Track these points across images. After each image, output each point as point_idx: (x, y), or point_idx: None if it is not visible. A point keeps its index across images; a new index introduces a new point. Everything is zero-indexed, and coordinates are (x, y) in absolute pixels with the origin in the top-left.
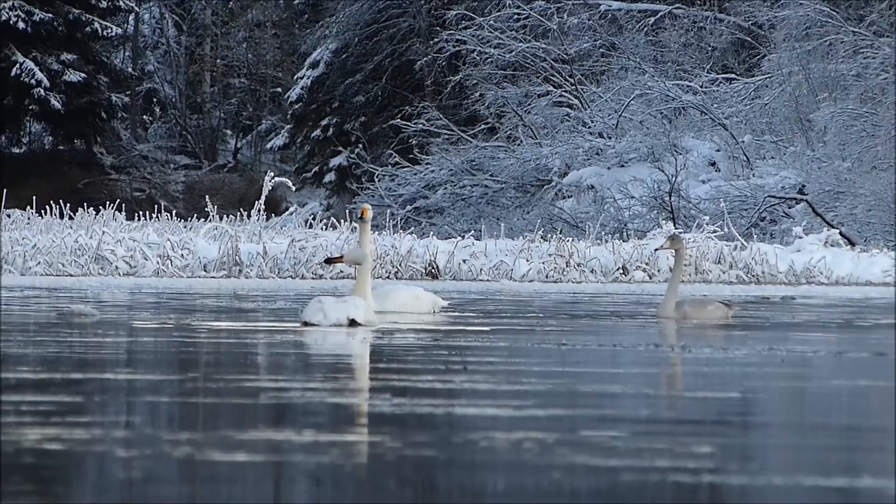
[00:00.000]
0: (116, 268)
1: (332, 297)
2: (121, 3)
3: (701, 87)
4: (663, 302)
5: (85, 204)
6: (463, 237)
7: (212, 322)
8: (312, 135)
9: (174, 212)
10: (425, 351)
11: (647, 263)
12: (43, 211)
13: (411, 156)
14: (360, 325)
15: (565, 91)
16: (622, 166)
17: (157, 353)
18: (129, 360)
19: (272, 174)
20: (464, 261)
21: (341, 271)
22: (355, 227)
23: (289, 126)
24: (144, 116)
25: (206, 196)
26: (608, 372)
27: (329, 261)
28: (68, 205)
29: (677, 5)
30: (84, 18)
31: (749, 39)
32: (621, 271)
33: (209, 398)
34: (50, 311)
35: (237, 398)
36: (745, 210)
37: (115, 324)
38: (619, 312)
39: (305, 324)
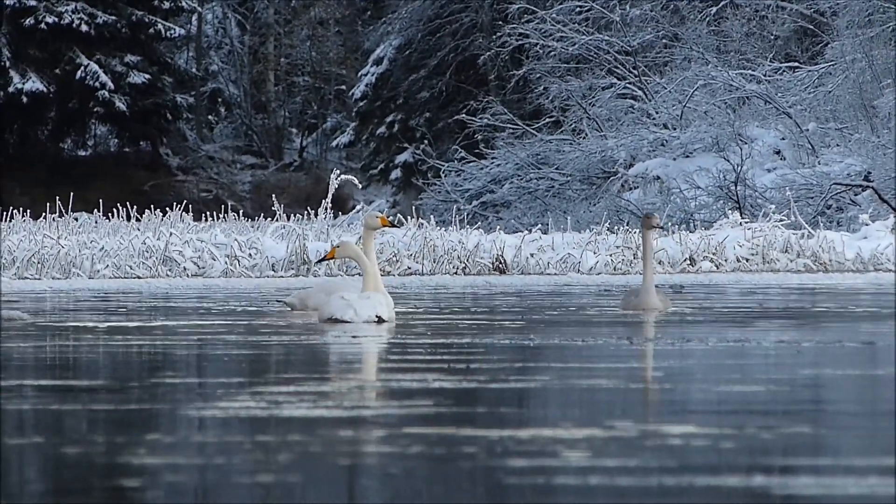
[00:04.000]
0: (184, 269)
1: (353, 293)
2: (183, 3)
3: (764, 75)
4: (644, 292)
5: (152, 205)
6: (530, 231)
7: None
8: (378, 132)
9: (241, 212)
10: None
11: (713, 253)
12: (110, 213)
13: (477, 150)
14: (384, 321)
15: (629, 83)
16: (687, 157)
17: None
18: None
19: (338, 172)
20: (531, 255)
21: (408, 268)
22: (422, 224)
23: (354, 123)
24: (210, 117)
25: (273, 195)
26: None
27: (320, 260)
28: (135, 207)
29: None
30: (147, 20)
31: (811, 27)
32: (689, 262)
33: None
34: None
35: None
36: (811, 198)
37: (46, 328)
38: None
39: (333, 321)
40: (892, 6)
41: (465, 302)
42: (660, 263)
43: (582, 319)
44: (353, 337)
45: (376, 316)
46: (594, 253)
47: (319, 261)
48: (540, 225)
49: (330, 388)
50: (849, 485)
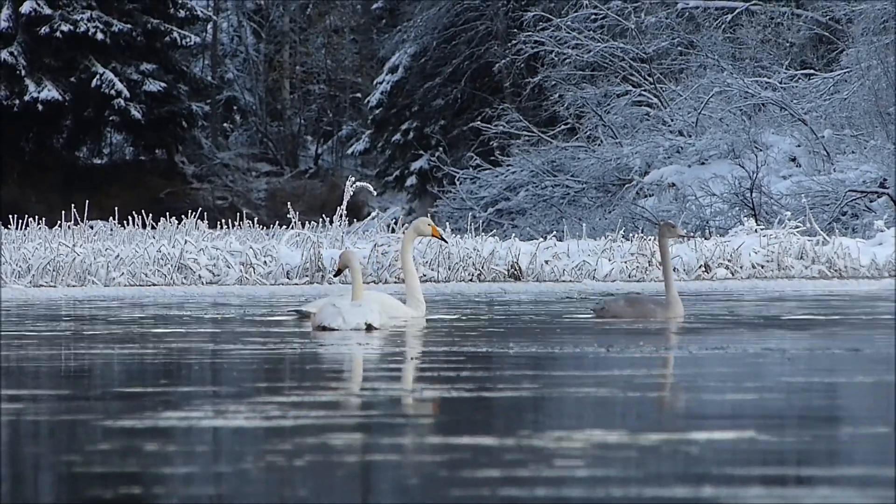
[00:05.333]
0: (199, 277)
1: (346, 301)
2: (199, 12)
3: (780, 83)
4: (673, 301)
5: (167, 213)
6: (545, 238)
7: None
8: (393, 139)
9: (256, 219)
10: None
11: (729, 260)
12: (125, 221)
13: (492, 158)
14: (375, 329)
15: (644, 90)
16: (703, 164)
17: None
18: None
19: (353, 179)
20: (546, 262)
21: (424, 275)
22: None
23: (369, 131)
24: (225, 124)
25: (288, 203)
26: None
27: (336, 274)
28: (150, 214)
29: (754, 2)
30: (162, 28)
31: (827, 34)
32: (704, 269)
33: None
34: None
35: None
36: (827, 205)
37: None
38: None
39: (322, 328)
40: None
41: (457, 309)
42: (675, 270)
43: (560, 327)
44: (321, 345)
45: (366, 323)
46: (609, 260)
47: (335, 274)
48: (555, 232)
49: (295, 398)
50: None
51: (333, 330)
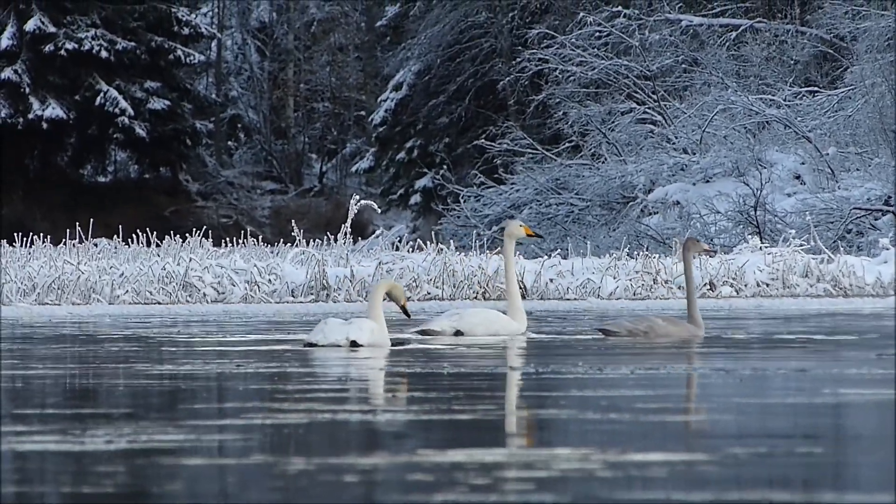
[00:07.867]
0: (204, 295)
1: (339, 319)
2: (203, 30)
3: (784, 100)
4: (697, 321)
5: (172, 231)
6: (549, 256)
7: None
8: (397, 157)
9: (261, 237)
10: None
11: (733, 278)
12: (130, 239)
13: (496, 176)
14: (361, 346)
15: (648, 108)
16: (707, 181)
17: None
18: None
19: (358, 197)
20: (550, 280)
21: (428, 293)
22: (441, 249)
23: (373, 149)
24: (229, 142)
25: (293, 221)
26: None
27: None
28: (155, 232)
29: (759, 19)
30: (167, 46)
31: (831, 52)
32: (708, 287)
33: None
34: None
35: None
36: (832, 223)
37: None
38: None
39: (309, 344)
40: None
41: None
42: (679, 289)
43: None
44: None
45: (350, 340)
46: (614, 278)
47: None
48: (559, 250)
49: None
50: None
51: (314, 346)
